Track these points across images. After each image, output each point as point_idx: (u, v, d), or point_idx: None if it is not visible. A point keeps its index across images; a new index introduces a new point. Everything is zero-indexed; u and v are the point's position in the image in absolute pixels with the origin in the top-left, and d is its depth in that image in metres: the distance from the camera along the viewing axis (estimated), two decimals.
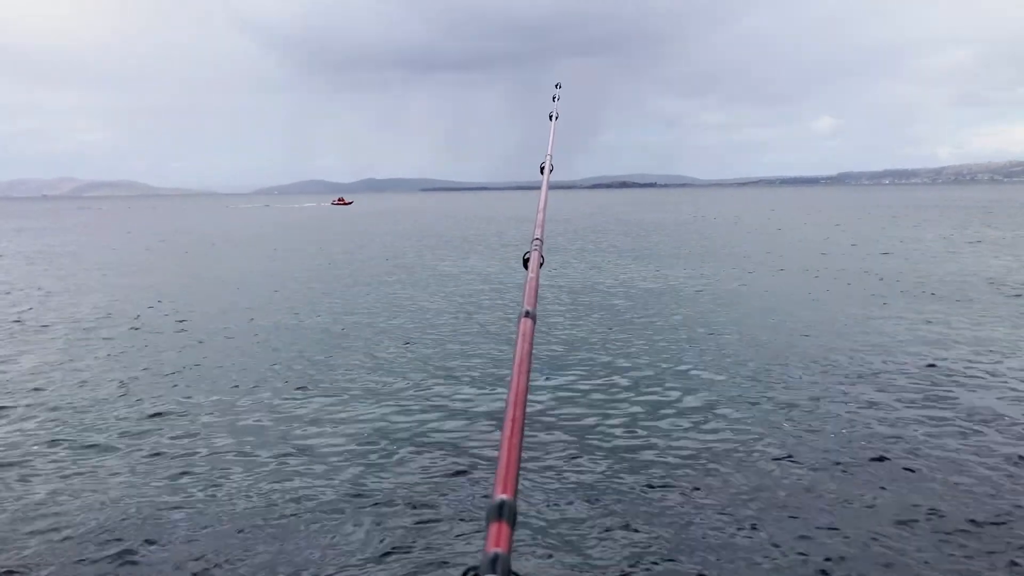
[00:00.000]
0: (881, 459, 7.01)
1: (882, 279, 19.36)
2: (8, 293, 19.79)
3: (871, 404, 8.69)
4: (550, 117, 4.19)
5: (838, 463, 6.94)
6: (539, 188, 3.22)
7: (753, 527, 5.74)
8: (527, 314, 1.73)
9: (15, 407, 9.12)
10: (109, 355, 11.99)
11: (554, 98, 4.48)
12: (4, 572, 5.23)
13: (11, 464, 7.24)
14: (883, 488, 6.38)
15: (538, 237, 2.40)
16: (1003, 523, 5.70)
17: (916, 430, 7.79)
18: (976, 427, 7.81)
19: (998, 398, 8.82)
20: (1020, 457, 6.98)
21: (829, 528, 5.70)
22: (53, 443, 7.81)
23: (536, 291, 1.86)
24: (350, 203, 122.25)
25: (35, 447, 7.71)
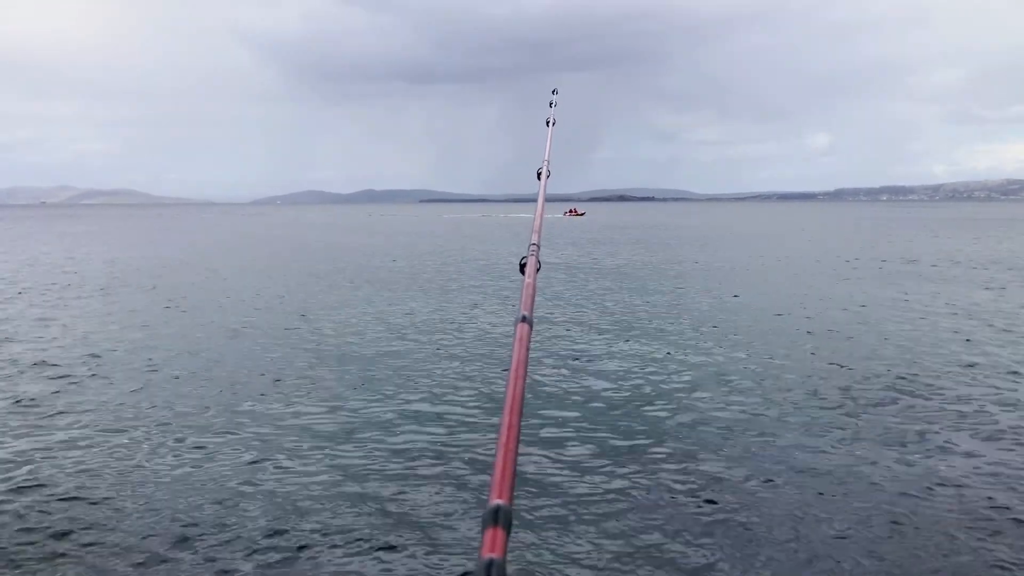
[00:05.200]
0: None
1: None
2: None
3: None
4: (547, 123, 4.20)
5: (842, 483, 6.93)
6: (535, 200, 3.22)
7: (759, 535, 5.72)
8: (524, 319, 1.73)
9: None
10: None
11: (551, 104, 4.49)
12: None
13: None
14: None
15: (535, 242, 2.40)
16: None
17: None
18: None
19: None
20: None
21: (833, 546, 5.68)
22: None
23: (533, 296, 1.86)
24: (582, 215, 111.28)
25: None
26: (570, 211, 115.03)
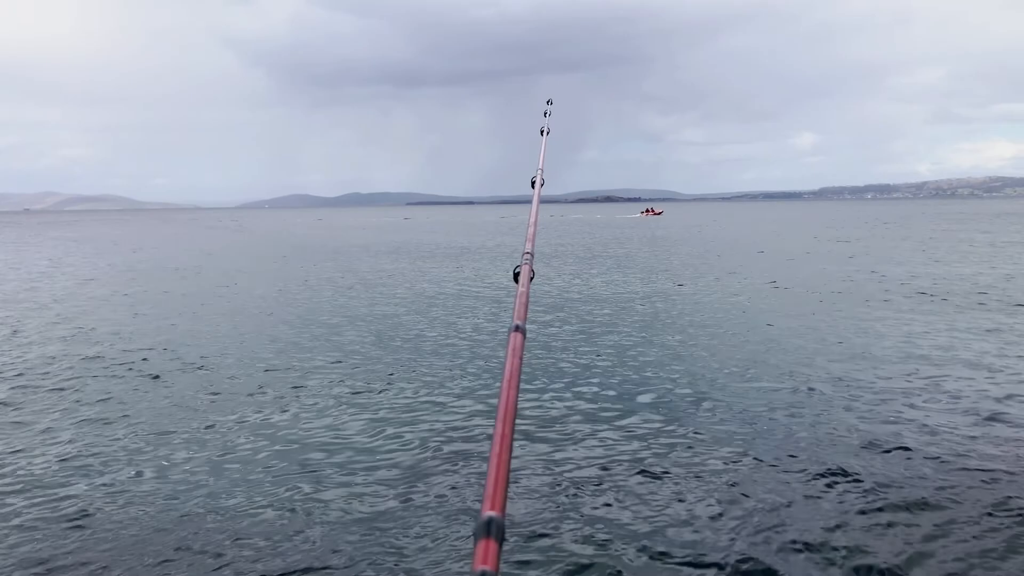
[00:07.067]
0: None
1: None
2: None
3: None
4: (541, 132, 4.22)
5: (830, 483, 6.94)
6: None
7: (752, 545, 5.72)
8: (517, 328, 1.72)
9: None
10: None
11: (545, 113, 4.53)
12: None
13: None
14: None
15: (529, 251, 2.39)
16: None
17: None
18: None
19: None
20: None
21: (821, 550, 5.70)
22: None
23: (526, 305, 1.85)
24: (659, 214, 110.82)
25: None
26: (647, 211, 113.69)
